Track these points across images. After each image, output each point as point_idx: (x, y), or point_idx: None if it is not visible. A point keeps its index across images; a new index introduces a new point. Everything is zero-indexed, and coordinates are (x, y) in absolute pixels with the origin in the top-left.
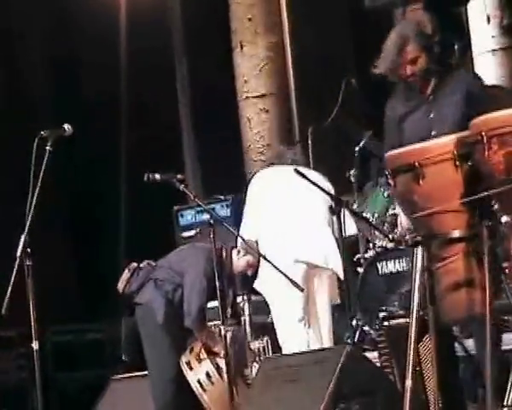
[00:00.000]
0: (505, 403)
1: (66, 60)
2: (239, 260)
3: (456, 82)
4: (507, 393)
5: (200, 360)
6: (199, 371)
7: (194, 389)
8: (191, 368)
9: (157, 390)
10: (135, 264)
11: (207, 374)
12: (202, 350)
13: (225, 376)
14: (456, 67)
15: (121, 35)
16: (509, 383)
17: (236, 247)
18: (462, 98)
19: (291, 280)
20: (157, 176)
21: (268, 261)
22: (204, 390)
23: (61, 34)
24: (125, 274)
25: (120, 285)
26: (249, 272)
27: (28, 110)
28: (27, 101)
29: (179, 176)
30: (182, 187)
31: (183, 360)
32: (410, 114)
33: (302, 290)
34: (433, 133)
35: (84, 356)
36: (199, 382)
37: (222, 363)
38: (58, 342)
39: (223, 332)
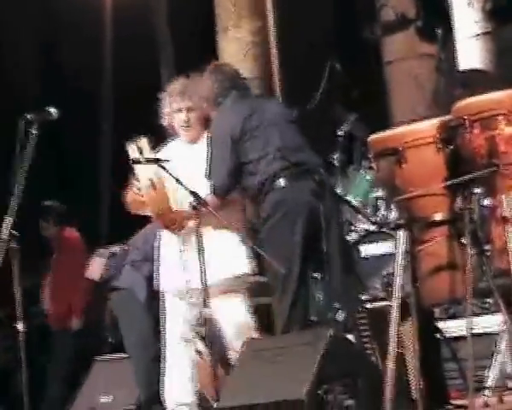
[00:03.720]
0: (486, 385)
1: (50, 47)
2: None
3: None
4: (488, 375)
5: None
6: None
7: None
8: None
9: (140, 372)
10: (102, 250)
11: None
12: None
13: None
14: None
15: (106, 24)
16: (491, 366)
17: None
18: None
19: (272, 261)
20: (141, 159)
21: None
22: None
23: (45, 22)
24: (100, 261)
25: (96, 272)
26: None
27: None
28: (12, 87)
29: (164, 159)
30: (166, 170)
31: None
32: None
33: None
34: None
35: None
36: None
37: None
38: (44, 323)
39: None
